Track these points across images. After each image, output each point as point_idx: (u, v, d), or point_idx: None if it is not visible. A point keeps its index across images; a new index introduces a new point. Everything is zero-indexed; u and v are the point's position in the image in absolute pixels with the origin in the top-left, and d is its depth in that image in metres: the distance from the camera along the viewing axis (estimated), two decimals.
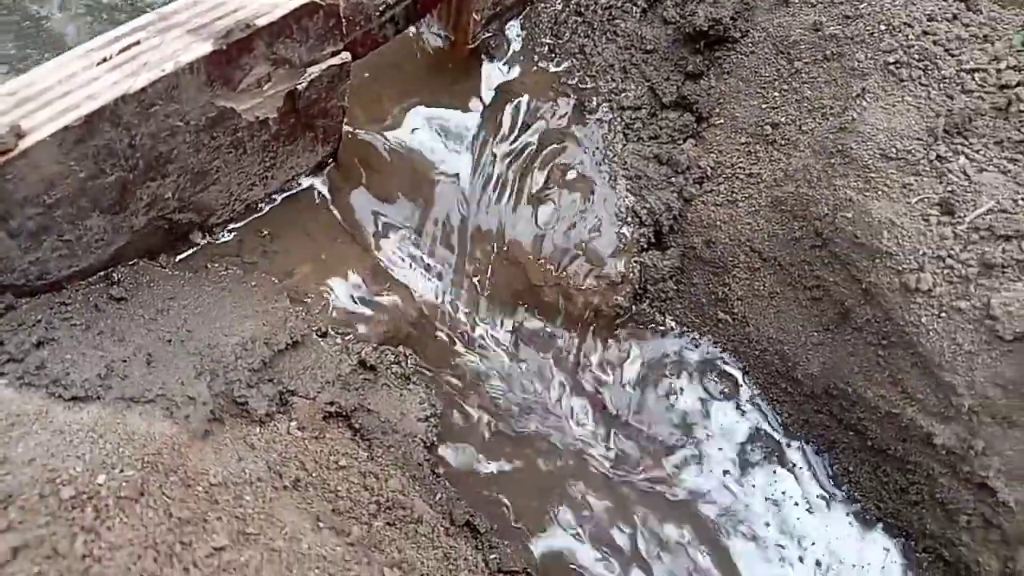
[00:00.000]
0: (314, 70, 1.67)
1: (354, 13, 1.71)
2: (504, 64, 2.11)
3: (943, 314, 1.59)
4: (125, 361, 1.54)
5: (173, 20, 1.48)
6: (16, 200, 1.40)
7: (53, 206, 1.47)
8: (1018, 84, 1.71)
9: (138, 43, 1.45)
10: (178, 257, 1.81)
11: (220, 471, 1.42)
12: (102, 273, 1.68)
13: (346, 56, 1.71)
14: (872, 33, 1.84)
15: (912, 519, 1.82)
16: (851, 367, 1.77)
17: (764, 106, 1.96)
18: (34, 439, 1.37)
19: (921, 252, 1.62)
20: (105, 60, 1.42)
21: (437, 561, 1.56)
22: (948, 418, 1.64)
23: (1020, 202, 1.59)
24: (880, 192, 1.69)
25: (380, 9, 1.76)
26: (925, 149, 1.69)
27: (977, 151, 1.67)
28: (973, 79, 1.74)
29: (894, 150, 1.70)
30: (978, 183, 1.63)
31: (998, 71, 1.74)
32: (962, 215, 1.61)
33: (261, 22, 1.50)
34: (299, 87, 1.68)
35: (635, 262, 1.99)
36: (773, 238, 1.87)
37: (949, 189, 1.64)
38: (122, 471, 1.35)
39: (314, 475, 1.55)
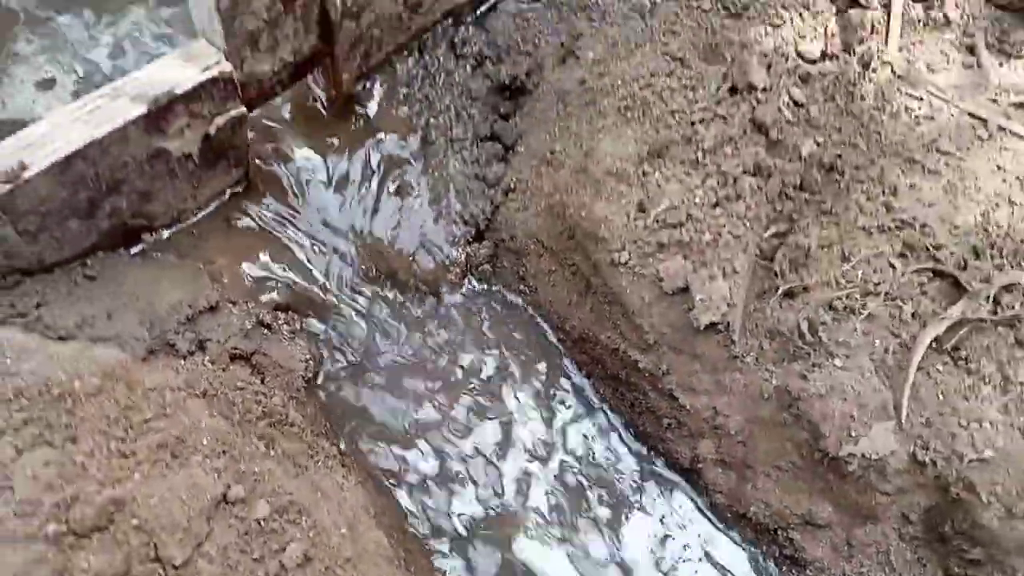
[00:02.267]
0: (220, 119, 2.48)
1: (248, 79, 2.52)
2: (371, 108, 2.91)
3: (634, 279, 2.39)
4: (93, 316, 2.34)
5: (121, 90, 2.29)
6: (22, 211, 2.20)
7: (46, 215, 2.27)
8: (702, 120, 2.52)
9: (99, 107, 2.26)
10: (132, 250, 2.61)
11: (152, 381, 2.22)
12: (79, 261, 2.49)
13: (243, 109, 2.51)
14: (614, 85, 2.65)
15: (639, 425, 2.62)
16: (592, 319, 2.57)
17: (547, 138, 2.76)
18: (35, 360, 2.16)
19: (623, 238, 2.42)
20: (78, 119, 2.23)
21: (300, 448, 2.36)
22: (645, 350, 2.44)
23: (685, 201, 2.40)
24: (602, 197, 2.49)
25: (268, 76, 2.58)
26: (635, 168, 2.50)
27: (667, 168, 2.47)
28: (674, 118, 2.55)
29: (615, 168, 2.50)
30: (664, 190, 2.44)
31: (692, 111, 2.55)
32: (650, 212, 2.42)
33: (179, 91, 2.31)
34: (210, 131, 2.49)
35: (462, 251, 2.79)
36: (548, 233, 2.67)
37: (646, 195, 2.45)
38: (89, 378, 2.15)
39: (219, 391, 2.35)
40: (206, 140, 2.49)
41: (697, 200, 2.38)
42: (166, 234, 2.68)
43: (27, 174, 2.14)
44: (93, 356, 2.21)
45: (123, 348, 2.29)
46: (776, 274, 2.37)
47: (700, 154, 2.44)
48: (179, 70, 2.33)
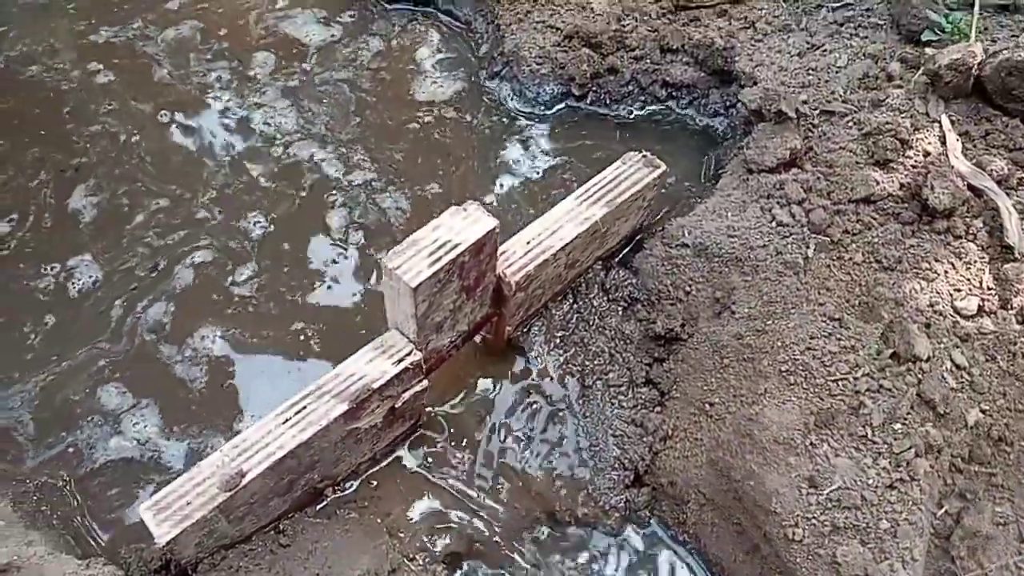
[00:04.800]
0: (406, 395, 2.65)
1: (430, 354, 2.69)
2: (530, 352, 3.06)
3: (810, 557, 2.45)
4: None
5: (324, 389, 2.48)
6: (236, 506, 2.39)
7: (254, 503, 2.46)
8: (867, 390, 2.59)
9: (305, 407, 2.45)
10: (318, 507, 2.79)
11: None
12: (273, 527, 2.66)
13: (425, 383, 2.68)
14: (773, 346, 2.74)
15: None
16: None
17: (705, 388, 2.86)
18: None
19: (796, 514, 2.48)
20: (287, 421, 2.42)
21: None
22: None
23: (858, 482, 2.46)
24: (772, 467, 2.57)
25: (446, 347, 2.75)
26: (802, 437, 2.57)
27: (836, 441, 2.54)
28: (837, 385, 2.62)
29: (782, 437, 2.58)
30: (834, 465, 2.50)
31: (855, 379, 2.62)
32: (822, 489, 2.48)
33: (376, 385, 2.49)
34: (396, 404, 2.66)
35: (621, 496, 2.89)
36: (711, 486, 2.76)
37: (816, 469, 2.51)
38: None
39: None
40: (391, 411, 2.66)
41: (870, 482, 2.43)
42: (347, 488, 2.85)
43: (245, 480, 2.32)
44: None
45: None
46: (953, 559, 2.40)
47: (869, 430, 2.50)
48: (375, 364, 2.52)
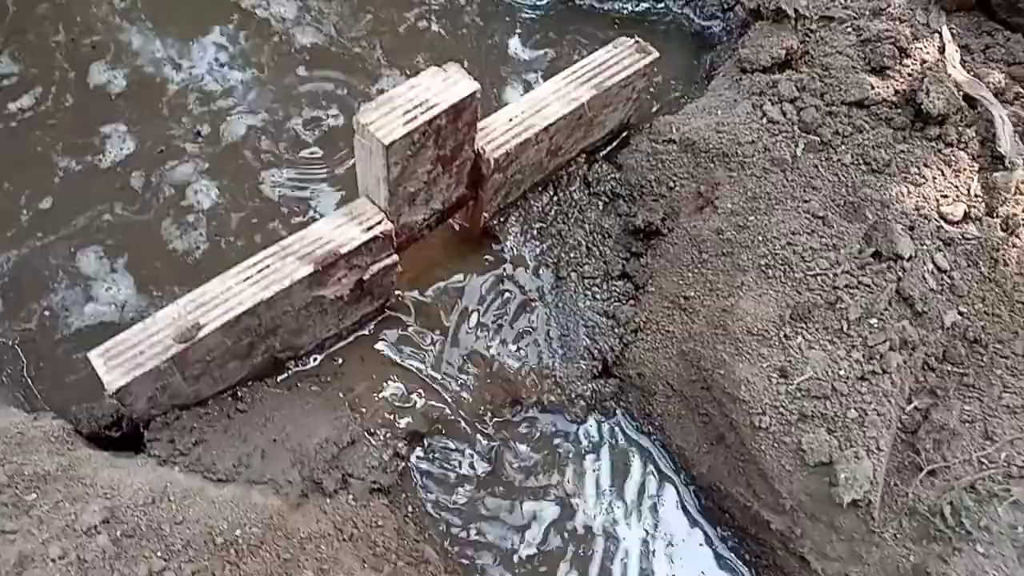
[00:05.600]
0: (375, 267, 2.57)
1: (402, 229, 2.61)
2: (505, 242, 2.99)
3: (775, 445, 2.42)
4: (248, 455, 2.45)
5: (289, 250, 2.40)
6: (191, 361, 2.32)
7: (211, 362, 2.39)
8: (846, 286, 2.54)
9: (268, 267, 2.37)
10: (279, 378, 2.72)
11: (306, 529, 2.32)
12: (231, 392, 2.60)
13: (395, 257, 2.61)
14: (754, 241, 2.68)
15: None
16: (724, 472, 2.60)
17: (680, 282, 2.80)
18: (198, 506, 2.27)
19: (764, 402, 2.45)
20: (248, 278, 2.34)
21: None
22: (779, 512, 2.46)
23: (830, 374, 2.42)
24: (743, 357, 2.52)
25: (419, 224, 2.67)
26: (777, 329, 2.53)
27: (810, 333, 2.50)
28: (816, 280, 2.57)
29: (756, 328, 2.54)
30: (807, 357, 2.46)
31: (835, 275, 2.57)
32: (792, 379, 2.44)
33: (344, 250, 2.41)
34: (364, 277, 2.58)
35: (588, 385, 2.85)
36: (679, 378, 2.71)
37: (788, 360, 2.47)
38: (250, 528, 2.25)
39: (362, 531, 2.44)
40: (359, 283, 2.58)
41: (842, 373, 2.40)
42: (311, 362, 2.79)
43: (201, 333, 2.25)
44: (252, 503, 2.32)
45: (278, 492, 2.39)
46: (918, 451, 2.38)
47: (844, 324, 2.46)
48: (344, 229, 2.44)
